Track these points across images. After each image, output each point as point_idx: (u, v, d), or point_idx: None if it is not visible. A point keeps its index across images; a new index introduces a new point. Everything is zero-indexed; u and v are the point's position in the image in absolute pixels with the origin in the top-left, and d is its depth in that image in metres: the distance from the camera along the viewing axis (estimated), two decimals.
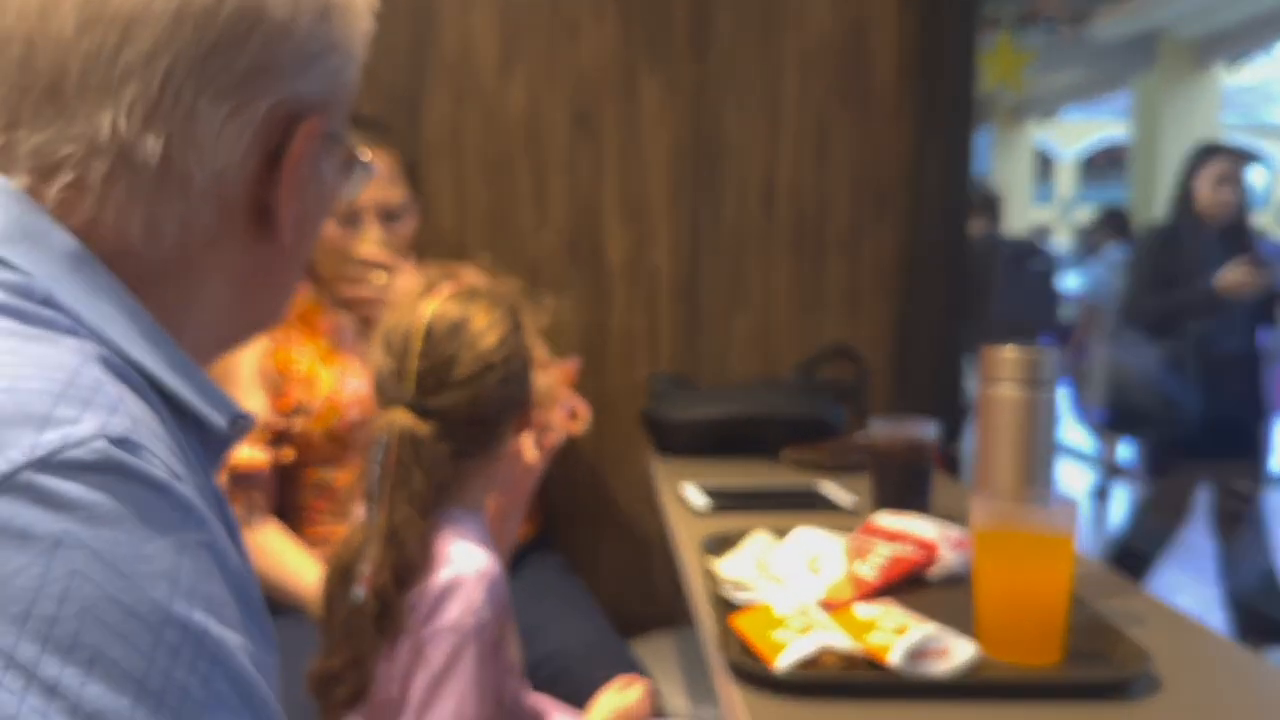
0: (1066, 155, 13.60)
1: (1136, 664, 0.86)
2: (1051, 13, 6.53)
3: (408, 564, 1.05)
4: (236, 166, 0.58)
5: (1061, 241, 11.62)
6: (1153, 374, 3.09)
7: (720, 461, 1.75)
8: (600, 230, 1.99)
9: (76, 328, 0.52)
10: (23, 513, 0.44)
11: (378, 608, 1.04)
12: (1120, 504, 5.94)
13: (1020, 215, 10.67)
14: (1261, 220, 8.98)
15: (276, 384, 1.58)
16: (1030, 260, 5.17)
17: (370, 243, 1.58)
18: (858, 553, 1.10)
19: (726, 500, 1.47)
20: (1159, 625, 1.00)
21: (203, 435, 0.58)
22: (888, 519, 1.19)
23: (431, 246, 1.78)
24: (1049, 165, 13.68)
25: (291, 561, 1.46)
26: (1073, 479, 6.20)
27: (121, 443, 0.47)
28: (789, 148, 2.02)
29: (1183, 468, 3.13)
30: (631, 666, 1.50)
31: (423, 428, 1.07)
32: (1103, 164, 13.47)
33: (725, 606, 1.00)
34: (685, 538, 1.28)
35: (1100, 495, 5.92)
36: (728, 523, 1.30)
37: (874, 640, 0.87)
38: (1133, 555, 3.26)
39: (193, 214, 0.58)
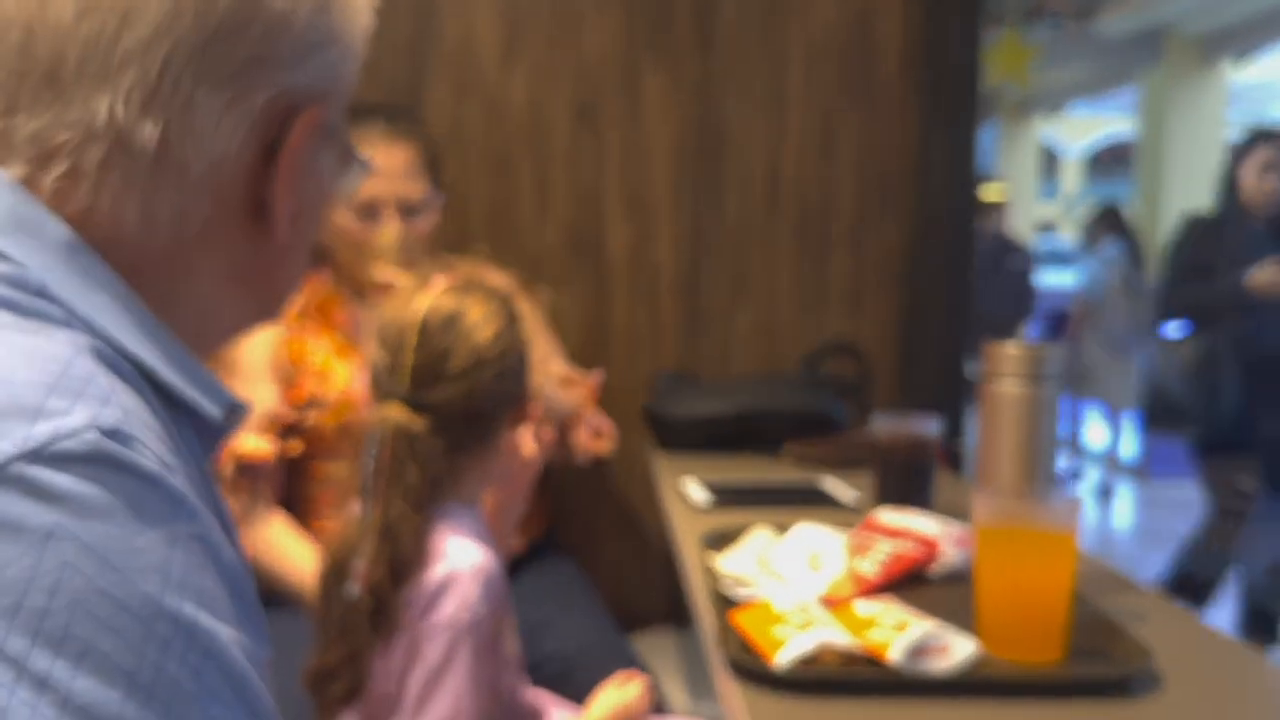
0: (1072, 151, 13.58)
1: (1138, 661, 0.85)
2: (1057, 8, 6.51)
3: (403, 560, 1.05)
4: (234, 157, 0.58)
5: (1066, 237, 11.60)
6: (1191, 370, 3.00)
7: (722, 457, 1.74)
8: (602, 225, 1.99)
9: (70, 319, 0.52)
10: (14, 505, 0.43)
11: (372, 604, 1.04)
12: (1125, 502, 5.94)
13: (1025, 211, 10.65)
14: None
15: (289, 375, 1.57)
16: (1007, 258, 5.17)
17: (388, 236, 1.57)
18: (859, 549, 1.10)
19: (728, 496, 1.46)
20: (1161, 623, 0.99)
21: (197, 425, 0.58)
22: (889, 515, 1.18)
23: (432, 241, 1.77)
24: (1054, 161, 13.66)
25: (296, 555, 1.46)
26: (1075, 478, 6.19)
27: (113, 434, 0.47)
28: (792, 142, 2.01)
29: (1227, 467, 3.01)
30: (633, 664, 1.49)
31: (417, 422, 1.07)
32: (1108, 160, 13.45)
33: (725, 603, 1.00)
34: (686, 533, 1.28)
35: (1104, 493, 5.91)
36: (729, 519, 1.29)
37: (874, 637, 0.86)
38: (1194, 582, 3.11)
39: (189, 204, 0.57)
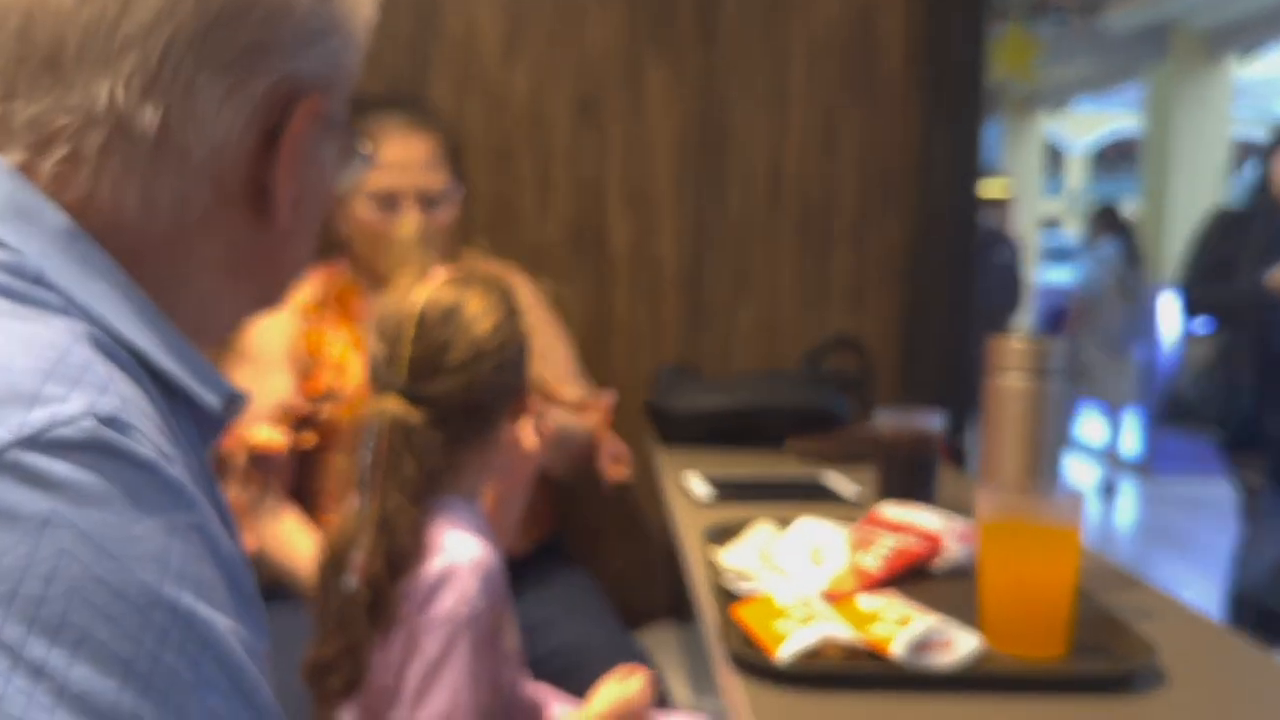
0: (1077, 147, 13.55)
1: (1141, 658, 0.85)
2: (1062, 3, 6.49)
3: (400, 552, 1.04)
4: (235, 144, 0.58)
5: (1070, 233, 11.59)
6: (1207, 367, 2.96)
7: (724, 452, 1.74)
8: (604, 219, 1.98)
9: (67, 307, 0.52)
10: (10, 492, 0.43)
11: (370, 596, 1.04)
12: (1128, 499, 5.94)
13: (1030, 207, 10.63)
14: None
15: (306, 366, 1.57)
16: (995, 250, 5.16)
17: (407, 228, 1.57)
18: (861, 544, 1.09)
19: (730, 490, 1.46)
20: (1165, 619, 0.99)
21: (196, 416, 0.58)
22: (892, 510, 1.18)
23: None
24: (1059, 157, 13.63)
25: (306, 548, 1.46)
26: (1079, 474, 6.19)
27: (110, 422, 0.47)
28: (795, 137, 2.00)
29: (1256, 466, 2.94)
30: (638, 659, 1.49)
31: (414, 415, 1.06)
32: (1113, 156, 13.42)
33: (727, 597, 1.00)
34: (688, 528, 1.28)
35: (1107, 490, 5.91)
36: (730, 513, 1.29)
37: (876, 631, 0.86)
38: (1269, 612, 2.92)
39: (190, 189, 0.57)
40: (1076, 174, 13.98)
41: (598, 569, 1.80)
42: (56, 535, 0.43)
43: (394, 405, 1.07)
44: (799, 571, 1.05)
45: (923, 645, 0.84)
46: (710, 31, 1.97)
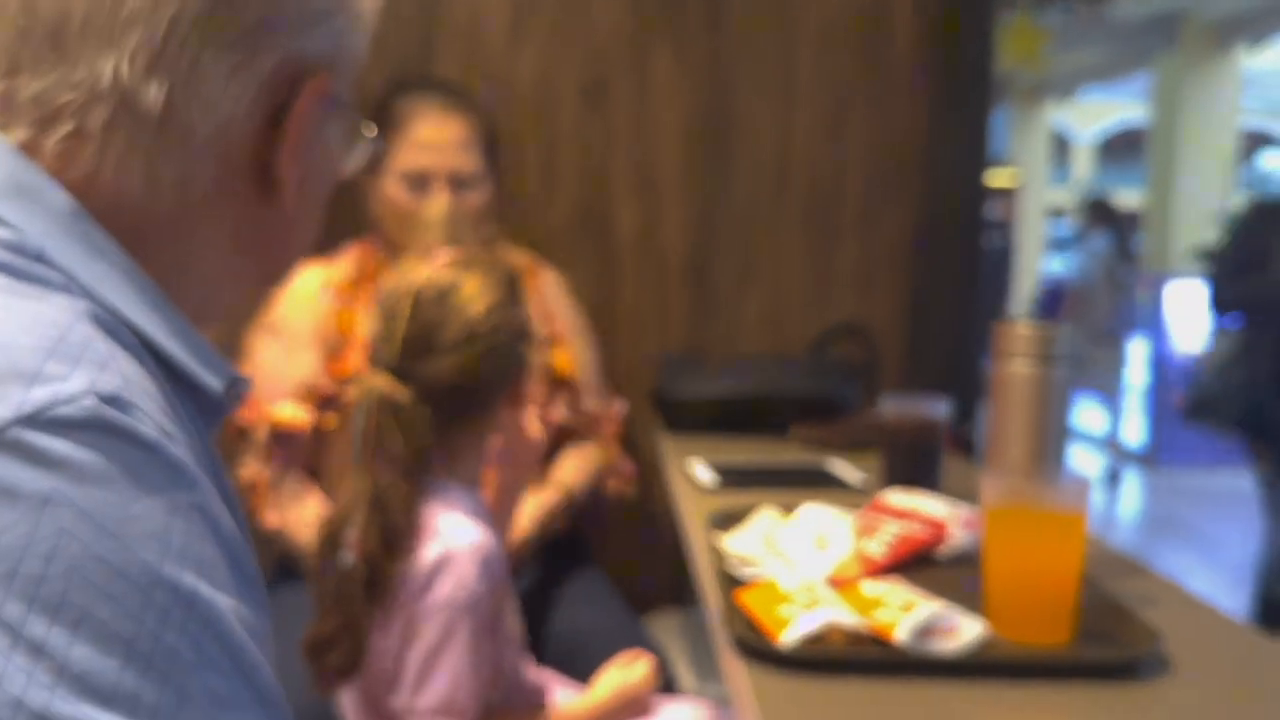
0: (1084, 137, 13.49)
1: (1146, 645, 0.85)
2: None
3: (394, 529, 1.04)
4: (240, 122, 0.58)
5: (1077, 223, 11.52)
6: (1235, 360, 2.92)
7: (729, 439, 1.74)
8: (610, 205, 1.98)
9: (69, 285, 0.52)
10: (10, 470, 0.43)
11: (366, 572, 1.04)
12: (1133, 489, 5.93)
13: (1037, 197, 10.59)
14: None
15: (336, 345, 1.56)
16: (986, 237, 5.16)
17: (436, 209, 1.56)
18: (866, 530, 1.09)
19: (734, 477, 1.46)
20: (1171, 607, 0.98)
21: (197, 398, 0.57)
22: (897, 497, 1.17)
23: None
24: (1066, 147, 13.57)
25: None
26: (1083, 463, 6.18)
27: (112, 400, 0.46)
28: (803, 123, 1.99)
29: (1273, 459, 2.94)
30: (646, 645, 1.49)
31: (401, 392, 1.07)
32: (1120, 146, 13.36)
33: (731, 582, 0.99)
34: (692, 514, 1.28)
35: (1111, 479, 5.90)
36: (735, 499, 1.29)
37: (881, 617, 0.86)
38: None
39: (194, 168, 0.57)
40: (1083, 164, 13.92)
41: (602, 555, 1.80)
42: (57, 514, 0.43)
43: (382, 382, 1.07)
44: (803, 557, 1.04)
45: (927, 631, 0.84)
46: (717, 16, 1.96)
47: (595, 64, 1.94)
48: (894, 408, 1.36)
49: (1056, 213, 11.70)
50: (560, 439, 1.67)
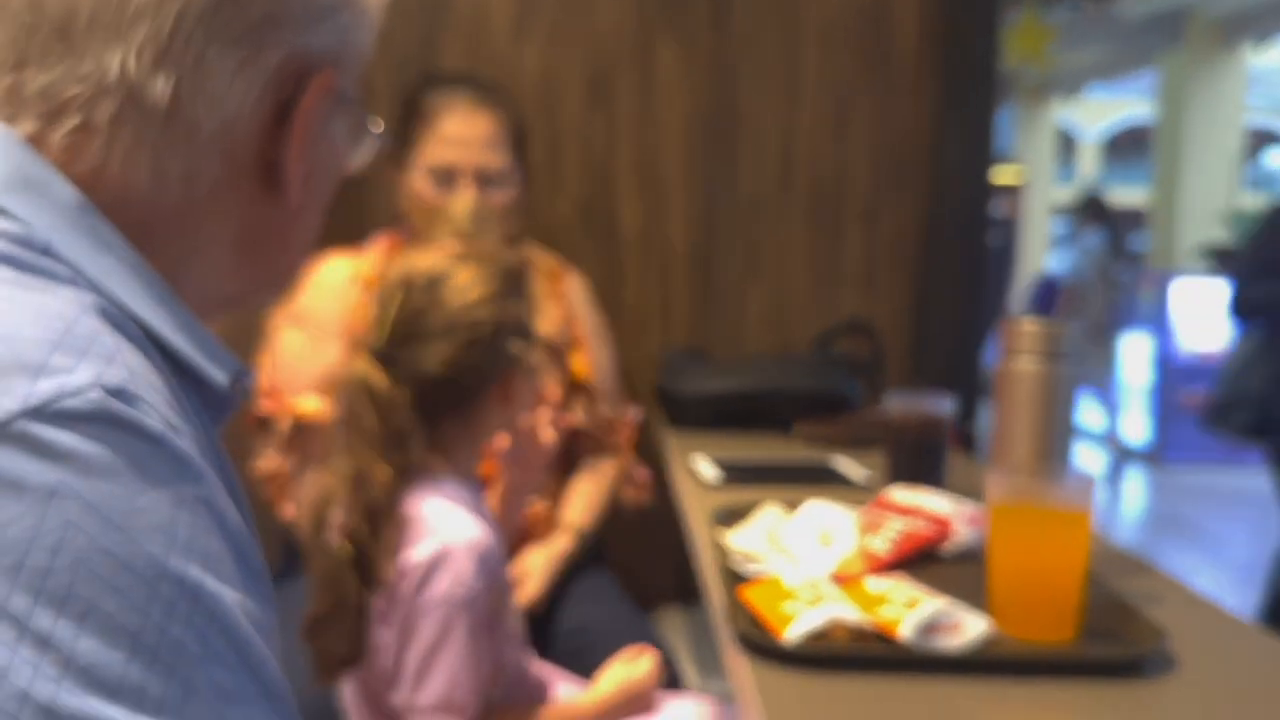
0: (1089, 134, 13.46)
1: (1151, 643, 0.84)
2: None
3: (375, 509, 1.05)
4: (246, 118, 0.58)
5: None
6: (1252, 364, 2.89)
7: (733, 435, 1.74)
8: (614, 200, 1.97)
9: (75, 278, 0.52)
10: (17, 462, 0.43)
11: (353, 551, 1.04)
12: (1136, 487, 5.92)
13: (1042, 194, 10.57)
14: None
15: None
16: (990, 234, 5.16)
17: (462, 205, 1.56)
18: (870, 527, 1.09)
19: (738, 474, 1.46)
20: (1176, 605, 0.98)
21: (203, 392, 0.57)
22: (901, 494, 1.17)
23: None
24: (1071, 144, 13.54)
25: None
26: (1086, 460, 6.18)
27: (118, 393, 0.46)
28: (807, 118, 1.99)
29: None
30: (651, 641, 1.49)
31: (378, 376, 1.07)
32: (1126, 144, 13.33)
33: (735, 579, 0.99)
34: (696, 510, 1.28)
35: (1114, 476, 5.89)
36: (739, 496, 1.28)
37: (885, 614, 0.86)
38: None
39: (200, 163, 0.57)
40: (1089, 161, 13.89)
41: (606, 551, 1.80)
42: (63, 506, 0.43)
43: (362, 365, 1.08)
44: (807, 554, 1.04)
45: (931, 628, 0.84)
46: (721, 13, 1.95)
47: (599, 58, 1.94)
48: (898, 404, 1.36)
49: (1062, 210, 11.70)
50: (575, 443, 1.67)
